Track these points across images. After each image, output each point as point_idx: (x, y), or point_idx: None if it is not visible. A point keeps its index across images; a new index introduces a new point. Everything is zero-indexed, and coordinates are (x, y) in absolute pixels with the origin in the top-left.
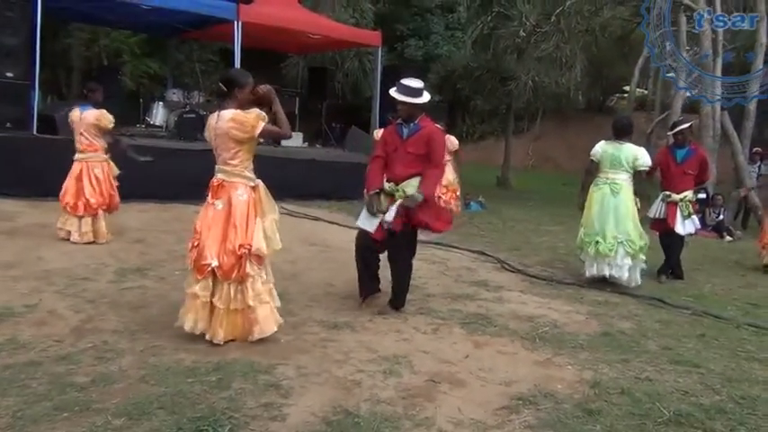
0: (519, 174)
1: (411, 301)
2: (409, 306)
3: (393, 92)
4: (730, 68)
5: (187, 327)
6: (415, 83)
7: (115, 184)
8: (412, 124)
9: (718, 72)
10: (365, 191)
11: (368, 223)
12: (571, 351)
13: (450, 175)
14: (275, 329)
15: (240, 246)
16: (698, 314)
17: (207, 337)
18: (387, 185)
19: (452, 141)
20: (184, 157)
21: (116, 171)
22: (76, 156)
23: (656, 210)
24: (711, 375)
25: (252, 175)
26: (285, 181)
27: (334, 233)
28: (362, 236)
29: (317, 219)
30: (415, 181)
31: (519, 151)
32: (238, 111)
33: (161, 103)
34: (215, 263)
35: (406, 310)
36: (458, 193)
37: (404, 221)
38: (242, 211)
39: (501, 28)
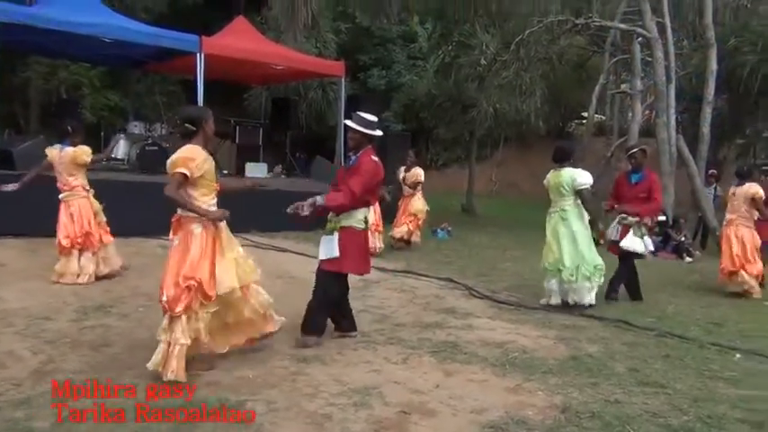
0: (483, 200)
1: (380, 331)
2: (378, 336)
3: (347, 121)
4: (683, 94)
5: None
6: (371, 117)
7: (101, 220)
8: (354, 156)
9: (672, 98)
10: None
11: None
12: (541, 376)
13: (419, 204)
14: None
15: (186, 277)
16: (662, 335)
17: (158, 369)
18: (329, 215)
19: (417, 173)
20: (147, 190)
21: (97, 206)
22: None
23: (613, 231)
24: (678, 396)
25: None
26: (250, 212)
27: (301, 264)
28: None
29: (283, 250)
30: (355, 212)
31: (482, 177)
32: (189, 147)
33: (122, 135)
34: (164, 298)
35: (376, 340)
36: (420, 223)
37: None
38: (196, 244)
39: (462, 57)
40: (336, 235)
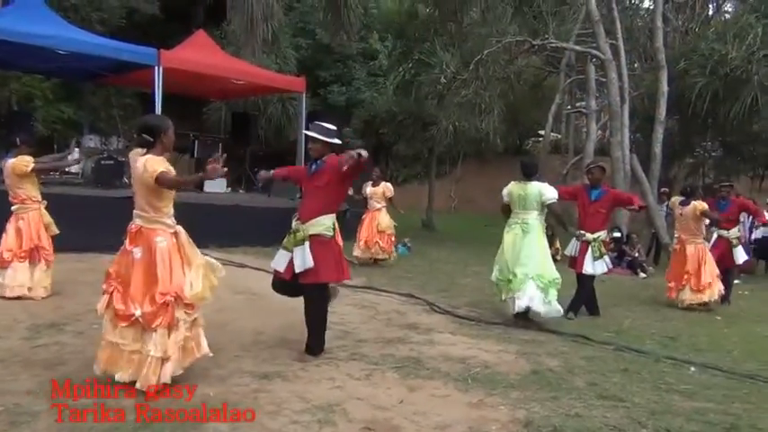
0: (443, 216)
1: (343, 347)
2: (341, 352)
3: (307, 130)
4: (636, 114)
5: (98, 371)
6: (330, 125)
7: (53, 233)
8: (319, 161)
9: (626, 118)
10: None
11: (278, 262)
12: (503, 391)
13: (387, 219)
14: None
15: (163, 293)
16: (620, 349)
17: (137, 385)
18: (295, 223)
19: (389, 188)
20: (102, 205)
21: (48, 218)
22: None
23: (572, 248)
24: (637, 409)
25: (171, 222)
26: (209, 228)
27: (261, 280)
28: (274, 275)
29: (242, 266)
30: (322, 219)
31: (442, 194)
32: (153, 156)
33: (77, 149)
34: (138, 312)
35: (338, 357)
36: (394, 239)
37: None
38: (163, 257)
39: (422, 75)
40: (307, 244)
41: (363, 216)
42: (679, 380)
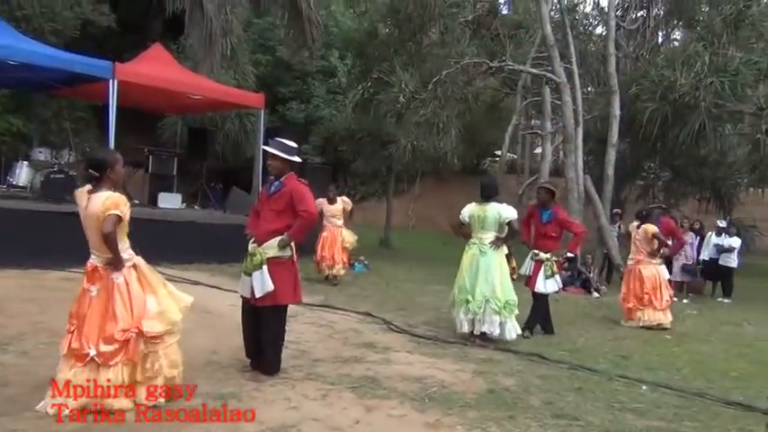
0: (401, 234)
1: (298, 367)
2: (296, 372)
3: (268, 147)
4: (589, 137)
5: (52, 412)
6: (291, 142)
7: None
8: (277, 182)
9: (580, 140)
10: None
11: (243, 287)
12: (460, 411)
13: (350, 236)
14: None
15: (124, 330)
16: (574, 368)
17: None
18: (251, 246)
19: (347, 201)
20: (50, 220)
21: None
22: None
23: (527, 267)
24: (591, 428)
25: (128, 255)
26: (163, 244)
27: (216, 298)
28: (243, 300)
29: (196, 283)
30: (275, 241)
31: (400, 212)
32: (110, 193)
33: (25, 162)
34: (93, 352)
35: (294, 377)
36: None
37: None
38: (121, 293)
39: (381, 93)
40: (265, 268)
41: (323, 234)
42: (632, 398)
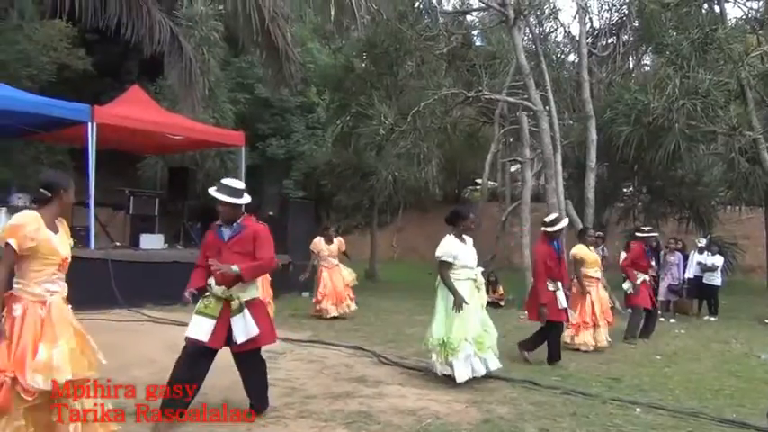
0: (385, 265)
1: (290, 405)
2: (289, 410)
3: (213, 191)
4: (567, 162)
5: None
6: (237, 183)
7: None
8: (234, 224)
9: (559, 165)
10: (185, 293)
11: (199, 330)
12: None
13: (348, 273)
14: None
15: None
16: (567, 393)
17: None
18: (217, 289)
19: (342, 243)
20: None
21: None
22: None
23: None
24: None
25: (41, 291)
26: (147, 285)
27: None
28: (192, 345)
29: (182, 324)
30: (247, 285)
31: (384, 243)
32: (24, 213)
33: (4, 208)
34: None
35: (286, 415)
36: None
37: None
38: (10, 326)
39: (360, 126)
40: (246, 312)
41: (323, 274)
42: (626, 421)
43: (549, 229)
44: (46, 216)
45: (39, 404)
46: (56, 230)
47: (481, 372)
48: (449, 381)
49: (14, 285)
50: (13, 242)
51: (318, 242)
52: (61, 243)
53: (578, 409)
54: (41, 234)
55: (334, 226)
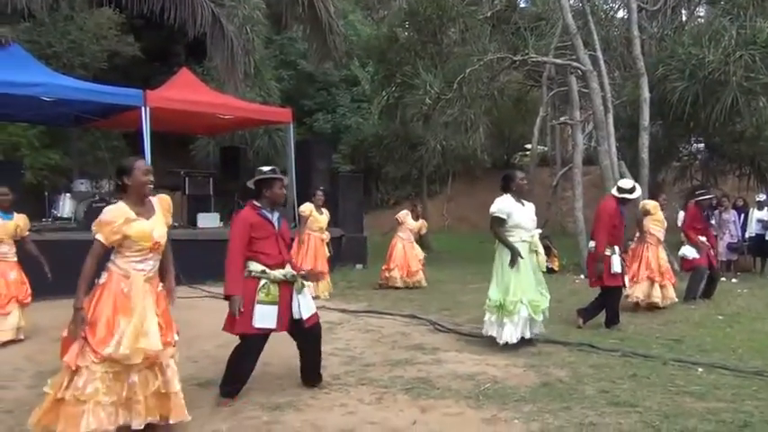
0: (437, 235)
1: (350, 373)
2: (349, 377)
3: (271, 173)
4: (620, 122)
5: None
6: (270, 167)
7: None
8: (278, 214)
9: (611, 126)
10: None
11: (267, 320)
12: (515, 405)
13: (420, 253)
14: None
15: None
16: (627, 355)
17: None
18: (278, 273)
19: (424, 224)
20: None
21: None
22: None
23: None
24: (649, 413)
25: (132, 269)
26: (205, 263)
27: None
28: (261, 336)
29: None
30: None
31: (434, 213)
32: (111, 207)
33: (68, 194)
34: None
35: (347, 382)
36: None
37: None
38: (95, 294)
39: (406, 97)
40: (306, 290)
41: (397, 244)
42: (688, 381)
43: (628, 196)
44: (131, 201)
45: (117, 371)
46: (150, 213)
47: (527, 335)
48: (506, 346)
49: (108, 263)
50: (100, 237)
51: (405, 215)
52: (155, 226)
53: (638, 370)
54: (130, 227)
55: (418, 207)
